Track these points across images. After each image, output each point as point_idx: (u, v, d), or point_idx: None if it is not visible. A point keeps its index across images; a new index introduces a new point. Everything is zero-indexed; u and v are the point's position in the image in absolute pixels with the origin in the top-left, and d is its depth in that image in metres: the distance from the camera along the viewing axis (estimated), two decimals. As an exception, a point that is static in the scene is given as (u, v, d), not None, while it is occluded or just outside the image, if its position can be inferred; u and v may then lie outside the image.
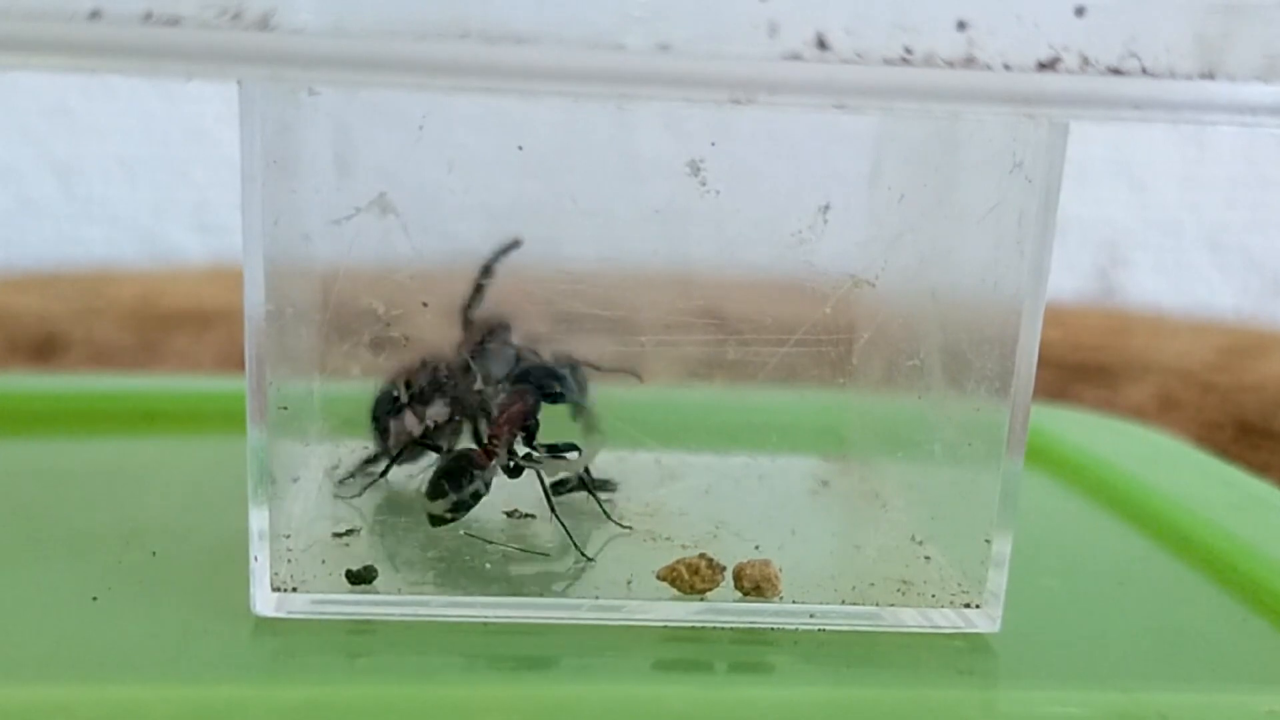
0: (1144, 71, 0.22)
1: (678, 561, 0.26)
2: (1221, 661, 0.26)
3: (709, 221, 0.29)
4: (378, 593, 0.26)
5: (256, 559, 0.25)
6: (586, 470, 0.30)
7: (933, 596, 0.27)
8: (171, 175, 0.67)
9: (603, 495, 0.31)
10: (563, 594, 0.26)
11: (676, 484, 0.32)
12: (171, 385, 0.44)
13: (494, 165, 0.30)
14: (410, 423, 0.30)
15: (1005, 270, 0.26)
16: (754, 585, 0.26)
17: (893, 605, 0.27)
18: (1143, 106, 0.22)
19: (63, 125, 0.66)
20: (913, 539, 0.30)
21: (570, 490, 0.31)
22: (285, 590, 0.26)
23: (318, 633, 0.25)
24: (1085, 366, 0.61)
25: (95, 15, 0.20)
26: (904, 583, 0.27)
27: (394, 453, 0.30)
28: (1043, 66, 0.21)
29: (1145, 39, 0.21)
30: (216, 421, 0.38)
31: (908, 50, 0.21)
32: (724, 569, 0.27)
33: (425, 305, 0.30)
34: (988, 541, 0.26)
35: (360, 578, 0.26)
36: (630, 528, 0.30)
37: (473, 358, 0.30)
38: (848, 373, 0.31)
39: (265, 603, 0.25)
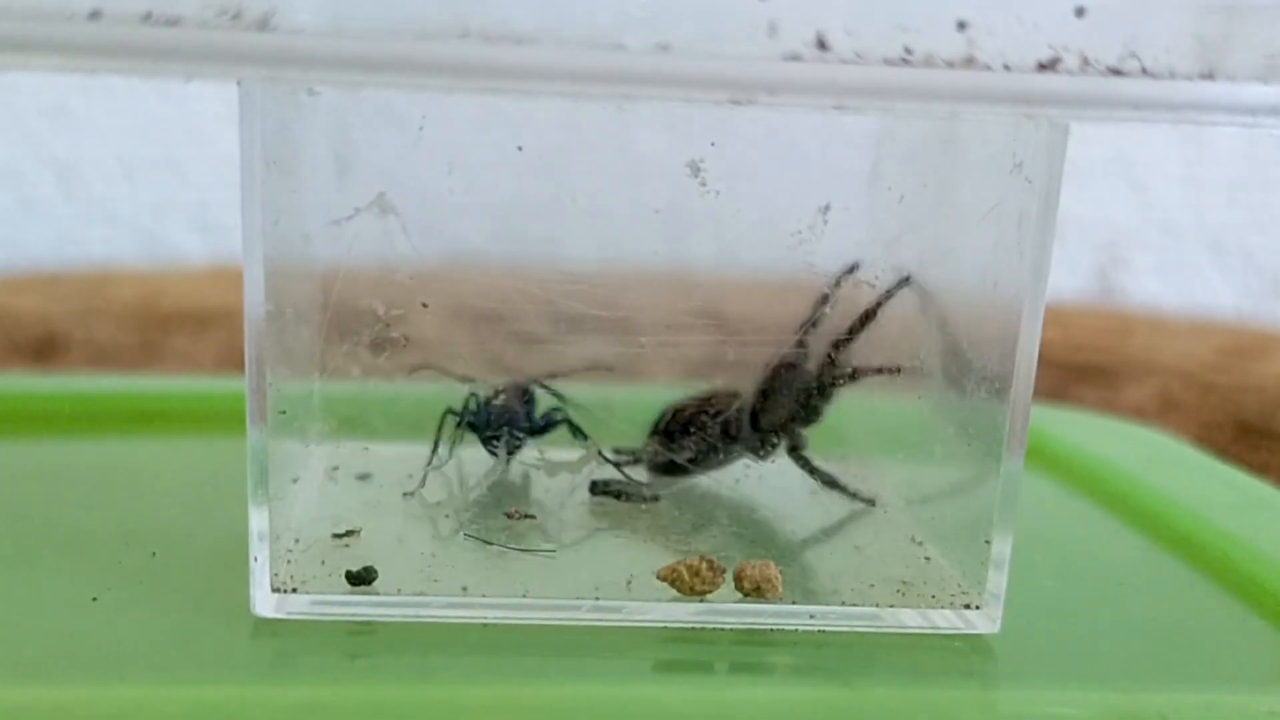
0: (1144, 71, 0.22)
1: (678, 562, 0.26)
2: (1221, 661, 0.26)
3: (709, 221, 0.29)
4: (378, 593, 0.26)
5: (256, 559, 0.25)
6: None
7: (932, 597, 0.27)
8: (171, 175, 0.67)
9: (643, 506, 0.31)
10: (563, 594, 0.26)
11: (676, 484, 0.32)
12: (171, 385, 0.44)
13: (494, 165, 0.30)
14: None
15: (1005, 270, 0.26)
16: (754, 586, 0.26)
17: (893, 606, 0.27)
18: (1143, 106, 0.22)
19: (63, 125, 0.66)
20: (913, 539, 0.30)
21: (605, 492, 0.31)
22: (285, 591, 0.26)
23: (318, 633, 0.25)
24: (1085, 366, 0.61)
25: (95, 15, 0.20)
26: (904, 583, 0.27)
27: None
28: (1043, 66, 0.21)
29: (1145, 39, 0.21)
30: (216, 421, 0.38)
31: (908, 50, 0.21)
32: (724, 570, 0.27)
33: (425, 305, 0.30)
34: (987, 542, 0.26)
35: (360, 578, 0.26)
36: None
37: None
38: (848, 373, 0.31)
39: (265, 603, 0.25)
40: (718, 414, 0.31)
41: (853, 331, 0.30)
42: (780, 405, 0.31)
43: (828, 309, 0.30)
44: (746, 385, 0.31)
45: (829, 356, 0.30)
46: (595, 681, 0.24)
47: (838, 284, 0.30)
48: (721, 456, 0.31)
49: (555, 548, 0.29)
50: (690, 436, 0.31)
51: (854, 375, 0.30)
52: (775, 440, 0.31)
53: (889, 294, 0.29)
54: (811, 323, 0.30)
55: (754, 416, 0.31)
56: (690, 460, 0.31)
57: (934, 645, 0.26)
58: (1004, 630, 0.26)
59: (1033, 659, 0.26)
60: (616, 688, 0.23)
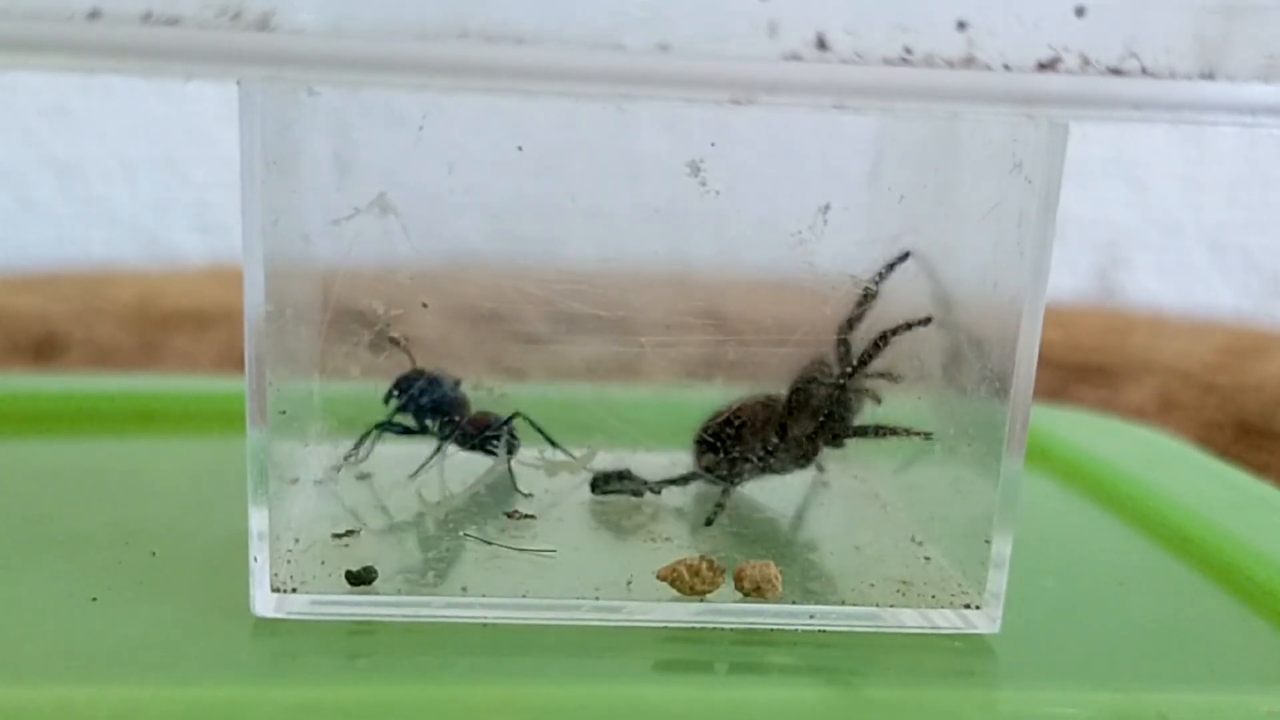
0: (1144, 71, 0.22)
1: (678, 562, 0.26)
2: (1221, 661, 0.26)
3: (709, 221, 0.29)
4: (377, 593, 0.26)
5: (256, 559, 0.25)
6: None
7: (933, 597, 0.27)
8: (171, 175, 0.67)
9: (641, 499, 0.31)
10: (563, 594, 0.26)
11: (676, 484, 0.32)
12: (171, 385, 0.44)
13: (494, 165, 0.30)
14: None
15: (1005, 270, 0.26)
16: (754, 586, 0.26)
17: (893, 606, 0.27)
18: (1143, 106, 0.22)
19: (63, 125, 0.66)
20: (913, 539, 0.30)
21: (611, 491, 0.31)
22: (285, 591, 0.26)
23: (318, 633, 0.25)
24: (1085, 366, 0.61)
25: (95, 15, 0.20)
26: (904, 583, 0.27)
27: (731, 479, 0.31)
28: (1043, 66, 0.21)
29: (1145, 39, 0.21)
30: (216, 421, 0.38)
31: (908, 50, 0.21)
32: (724, 570, 0.27)
33: (425, 305, 0.30)
34: (988, 542, 0.26)
35: (360, 578, 0.26)
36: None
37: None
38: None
39: (265, 603, 0.25)
40: (764, 421, 0.31)
41: (876, 346, 0.30)
42: (812, 411, 0.30)
43: (872, 304, 0.30)
44: (775, 389, 0.31)
45: (850, 370, 0.30)
46: (595, 681, 0.24)
47: (881, 277, 0.29)
48: (768, 464, 0.31)
49: (555, 548, 0.29)
50: (744, 445, 0.31)
51: (878, 431, 0.31)
52: (813, 447, 0.31)
53: (890, 268, 0.29)
54: (856, 319, 0.30)
55: (784, 425, 0.31)
56: (738, 468, 0.31)
57: (934, 645, 0.26)
58: (1004, 630, 0.26)
59: (1033, 659, 0.26)
60: (616, 688, 0.23)
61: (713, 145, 0.28)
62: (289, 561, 0.27)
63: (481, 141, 0.29)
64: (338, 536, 0.28)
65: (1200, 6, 0.22)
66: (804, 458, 0.31)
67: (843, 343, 0.30)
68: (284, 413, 0.26)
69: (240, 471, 0.25)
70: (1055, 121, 0.24)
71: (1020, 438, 0.26)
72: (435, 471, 0.32)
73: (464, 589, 0.26)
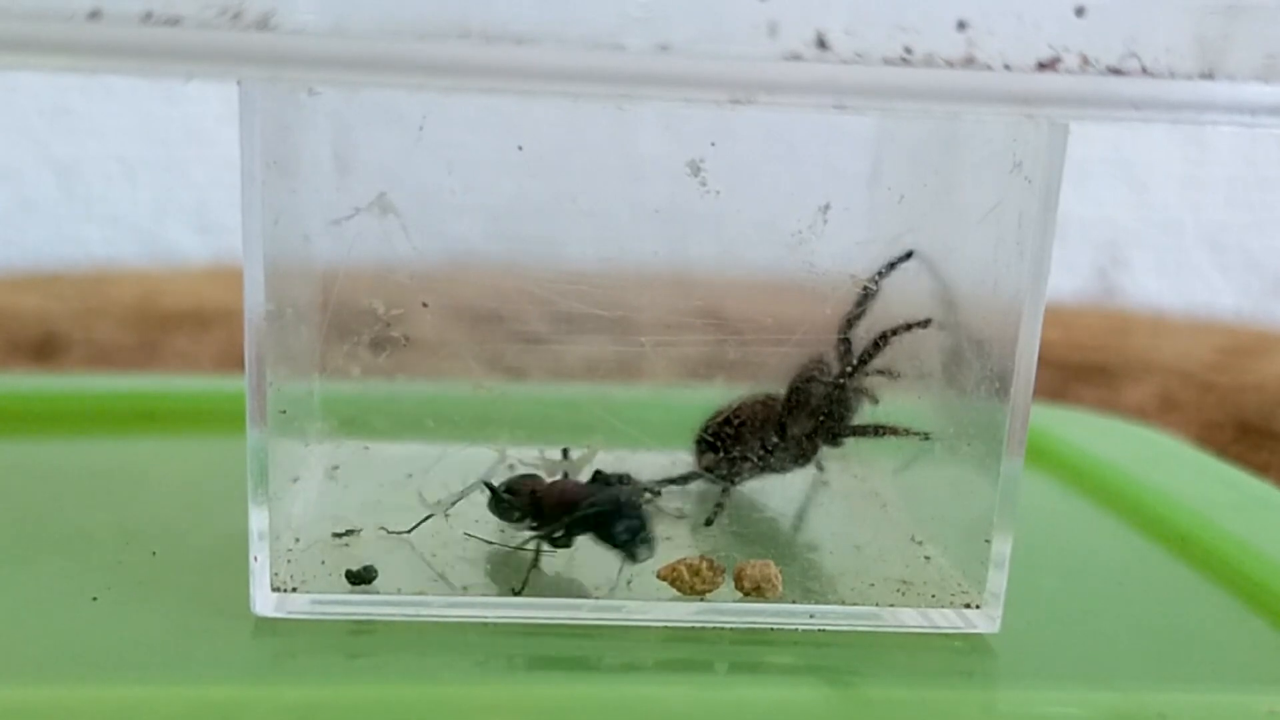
0: (1144, 71, 0.22)
1: (678, 562, 0.26)
2: (1221, 661, 0.26)
3: (709, 221, 0.29)
4: (378, 593, 0.26)
5: (256, 559, 0.25)
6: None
7: (933, 597, 0.27)
8: (171, 175, 0.67)
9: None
10: (563, 594, 0.26)
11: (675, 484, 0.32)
12: (171, 385, 0.44)
13: (494, 165, 0.30)
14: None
15: (1005, 270, 0.26)
16: (754, 585, 0.26)
17: (893, 605, 0.27)
18: (1143, 106, 0.22)
19: (63, 125, 0.66)
20: (913, 539, 0.30)
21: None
22: (285, 590, 0.26)
23: (318, 633, 0.25)
24: (1085, 366, 0.61)
25: (95, 15, 0.20)
26: (904, 583, 0.27)
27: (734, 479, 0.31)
28: (1043, 66, 0.21)
29: (1145, 39, 0.21)
30: (216, 421, 0.38)
31: (908, 50, 0.21)
32: (724, 570, 0.27)
33: (425, 305, 0.30)
34: (988, 541, 0.26)
35: (360, 578, 0.26)
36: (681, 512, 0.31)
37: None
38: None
39: (265, 603, 0.25)
40: (764, 420, 0.31)
41: (876, 346, 0.30)
42: (811, 410, 0.30)
43: (872, 302, 0.30)
44: (775, 389, 0.31)
45: (850, 369, 0.30)
46: (595, 681, 0.24)
47: (882, 275, 0.29)
48: (769, 463, 0.31)
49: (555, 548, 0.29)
50: (744, 444, 0.31)
51: (877, 430, 0.31)
52: (812, 446, 0.31)
53: (891, 266, 0.29)
54: (856, 316, 0.30)
55: (784, 425, 0.31)
56: (741, 467, 0.31)
57: (934, 645, 0.26)
58: (1004, 630, 0.26)
59: (1033, 659, 0.26)
60: (616, 688, 0.23)
61: (713, 145, 0.28)
62: (289, 561, 0.27)
63: (481, 141, 0.29)
64: (338, 536, 0.28)
65: (1200, 6, 0.22)
66: (803, 457, 0.31)
67: (843, 341, 0.30)
68: (284, 413, 0.26)
69: (240, 471, 0.25)
70: (1055, 121, 0.24)
71: (1020, 438, 0.26)
72: (434, 471, 0.32)
73: (464, 589, 0.26)
